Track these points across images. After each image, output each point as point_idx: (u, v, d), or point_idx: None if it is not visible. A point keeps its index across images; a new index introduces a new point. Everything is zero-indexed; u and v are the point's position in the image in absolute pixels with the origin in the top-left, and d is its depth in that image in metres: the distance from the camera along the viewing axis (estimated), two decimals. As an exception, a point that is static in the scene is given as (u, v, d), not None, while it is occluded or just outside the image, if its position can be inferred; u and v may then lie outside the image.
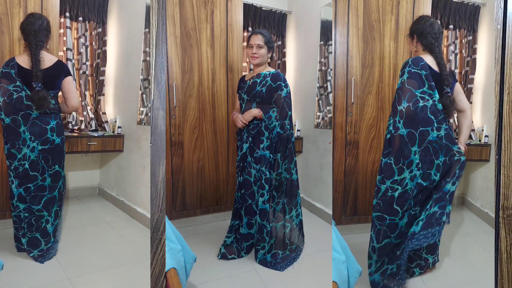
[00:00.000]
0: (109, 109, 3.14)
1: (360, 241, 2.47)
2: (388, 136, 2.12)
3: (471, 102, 3.16)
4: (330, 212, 2.85)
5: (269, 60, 2.56)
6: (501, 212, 1.81)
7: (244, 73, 3.09)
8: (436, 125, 2.04)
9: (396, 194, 2.09)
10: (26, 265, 2.22)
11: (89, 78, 3.14)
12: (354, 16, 2.57)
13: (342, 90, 2.59)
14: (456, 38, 3.16)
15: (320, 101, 3.24)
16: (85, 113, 3.06)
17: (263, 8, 3.37)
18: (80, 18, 3.01)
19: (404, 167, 2.07)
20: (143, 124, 2.75)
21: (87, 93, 3.13)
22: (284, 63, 3.54)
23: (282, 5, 3.51)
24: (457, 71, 3.14)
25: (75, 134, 2.92)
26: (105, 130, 3.09)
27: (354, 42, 2.58)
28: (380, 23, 2.61)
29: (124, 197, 2.93)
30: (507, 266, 1.82)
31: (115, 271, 2.27)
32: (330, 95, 3.09)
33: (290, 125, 2.50)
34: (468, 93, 3.15)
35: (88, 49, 3.09)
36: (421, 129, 2.03)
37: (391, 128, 2.10)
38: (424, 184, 2.07)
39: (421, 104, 2.03)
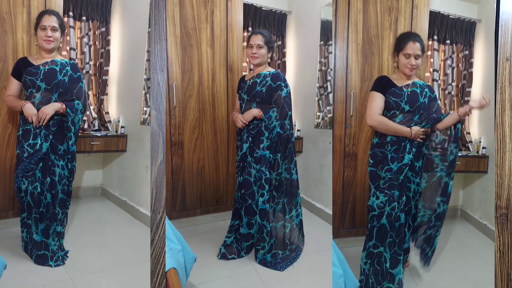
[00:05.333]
0: (112, 109, 3.15)
1: (358, 254, 2.46)
2: None
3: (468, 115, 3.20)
4: (330, 212, 2.85)
5: (269, 60, 2.55)
6: (495, 212, 1.82)
7: (244, 73, 3.09)
8: None
9: None
10: (29, 265, 2.24)
11: (92, 77, 3.15)
12: (354, 31, 2.63)
13: (341, 103, 2.64)
14: (453, 53, 3.26)
15: (320, 101, 3.24)
16: (88, 112, 3.07)
17: (263, 8, 3.37)
18: (84, 18, 3.02)
19: None
20: (147, 124, 2.76)
21: (90, 92, 3.14)
22: (284, 63, 3.53)
23: (282, 5, 3.51)
24: (454, 84, 3.25)
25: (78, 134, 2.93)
26: (108, 130, 3.09)
27: (353, 56, 2.64)
28: (379, 39, 2.67)
29: (127, 197, 2.94)
30: (500, 265, 1.83)
31: (117, 271, 2.28)
32: (330, 95, 3.09)
33: (290, 125, 2.50)
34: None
35: (92, 48, 3.10)
36: None
37: None
38: None
39: None
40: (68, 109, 2.26)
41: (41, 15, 2.29)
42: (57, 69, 2.29)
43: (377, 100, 2.24)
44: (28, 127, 2.24)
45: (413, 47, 2.19)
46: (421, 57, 2.23)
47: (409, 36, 2.22)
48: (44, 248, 2.28)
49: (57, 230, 2.34)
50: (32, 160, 2.23)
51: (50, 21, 2.26)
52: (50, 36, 2.27)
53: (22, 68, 2.29)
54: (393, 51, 2.31)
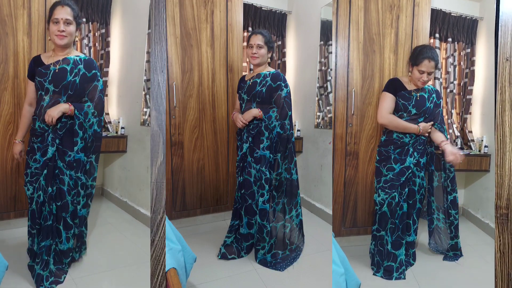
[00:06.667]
0: (112, 110, 3.15)
1: (360, 253, 2.48)
2: None
3: (470, 113, 3.23)
4: (330, 212, 2.85)
5: (269, 60, 2.56)
6: (495, 212, 1.82)
7: (244, 73, 3.09)
8: None
9: None
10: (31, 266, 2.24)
11: (93, 79, 3.15)
12: (355, 29, 2.64)
13: (343, 101, 2.65)
14: (455, 51, 3.28)
15: (320, 101, 3.24)
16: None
17: (263, 8, 3.37)
18: (84, 19, 3.03)
19: None
20: (147, 124, 2.76)
21: (90, 93, 3.15)
22: (284, 63, 3.53)
23: (282, 5, 3.50)
24: (456, 82, 3.27)
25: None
26: (108, 130, 3.10)
27: (354, 54, 2.65)
28: (380, 37, 2.68)
29: (127, 198, 2.94)
30: (500, 265, 1.83)
31: (118, 271, 2.28)
32: (330, 95, 3.09)
33: (290, 125, 2.50)
34: (467, 104, 3.23)
35: (92, 50, 3.11)
36: None
37: None
38: None
39: None
40: (76, 111, 2.05)
41: (53, 7, 2.05)
42: (68, 68, 2.06)
43: (388, 101, 2.43)
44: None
45: (427, 66, 2.34)
46: (433, 72, 2.39)
47: (426, 53, 2.34)
48: (44, 267, 2.09)
49: (59, 248, 2.15)
50: (37, 165, 2.08)
51: (63, 13, 2.01)
52: (63, 31, 2.02)
53: (34, 68, 2.08)
54: (408, 61, 2.46)
